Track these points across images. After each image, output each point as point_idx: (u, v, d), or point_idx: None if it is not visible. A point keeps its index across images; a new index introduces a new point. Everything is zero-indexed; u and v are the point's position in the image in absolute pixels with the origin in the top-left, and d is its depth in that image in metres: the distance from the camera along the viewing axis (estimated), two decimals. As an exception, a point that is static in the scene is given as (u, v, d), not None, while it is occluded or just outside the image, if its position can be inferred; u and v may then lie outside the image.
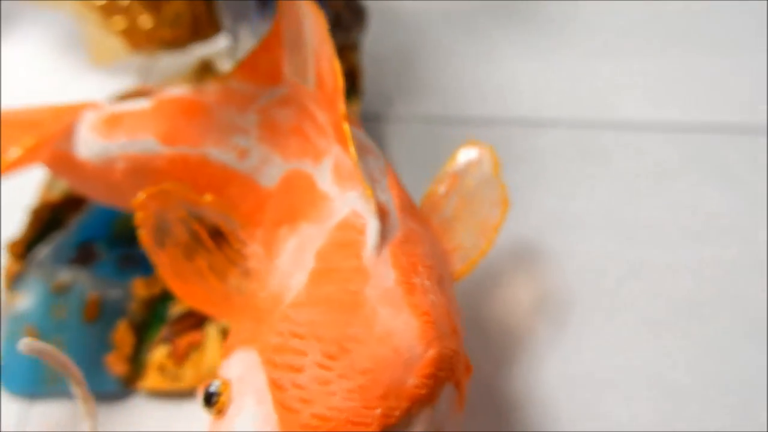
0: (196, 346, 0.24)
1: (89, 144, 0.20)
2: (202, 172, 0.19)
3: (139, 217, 0.18)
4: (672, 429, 0.22)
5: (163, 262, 0.18)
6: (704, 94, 0.32)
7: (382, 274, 0.14)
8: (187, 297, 0.18)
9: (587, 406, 0.23)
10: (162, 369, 0.23)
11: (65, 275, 0.25)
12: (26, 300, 0.24)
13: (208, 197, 0.19)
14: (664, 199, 0.28)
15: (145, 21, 0.33)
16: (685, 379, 0.23)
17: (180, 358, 0.23)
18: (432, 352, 0.14)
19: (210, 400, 0.14)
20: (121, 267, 0.26)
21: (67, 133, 0.20)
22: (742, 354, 0.23)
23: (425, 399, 0.13)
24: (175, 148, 0.19)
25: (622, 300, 0.25)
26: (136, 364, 0.23)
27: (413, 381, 0.13)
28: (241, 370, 0.14)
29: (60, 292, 0.24)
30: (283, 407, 0.13)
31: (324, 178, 0.17)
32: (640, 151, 0.30)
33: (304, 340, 0.13)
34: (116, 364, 0.23)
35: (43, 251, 0.26)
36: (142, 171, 0.20)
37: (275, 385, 0.13)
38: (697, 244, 0.27)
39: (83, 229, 0.27)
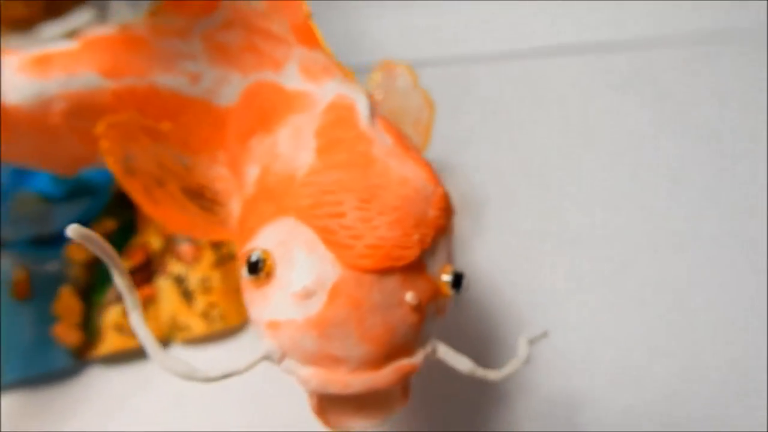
0: (150, 301, 0.23)
1: (20, 86, 0.18)
2: (151, 102, 0.19)
3: (105, 146, 0.17)
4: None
5: (137, 188, 0.17)
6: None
7: (381, 138, 0.16)
8: (167, 222, 0.18)
9: (509, 273, 0.26)
10: (119, 328, 0.22)
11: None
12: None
13: (166, 125, 0.19)
14: (546, 118, 0.33)
15: (-8, -4, 0.30)
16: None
17: (137, 314, 0.22)
18: (441, 190, 0.16)
19: (256, 267, 0.14)
20: (37, 245, 0.24)
21: None
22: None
23: (443, 228, 0.15)
24: (120, 81, 0.19)
25: (522, 198, 0.30)
26: (88, 331, 0.22)
27: (433, 213, 0.15)
28: (278, 237, 0.14)
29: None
30: (337, 246, 0.14)
31: (291, 79, 0.18)
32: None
33: (336, 194, 0.14)
34: (66, 335, 0.21)
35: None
36: (84, 109, 0.19)
37: (326, 230, 0.14)
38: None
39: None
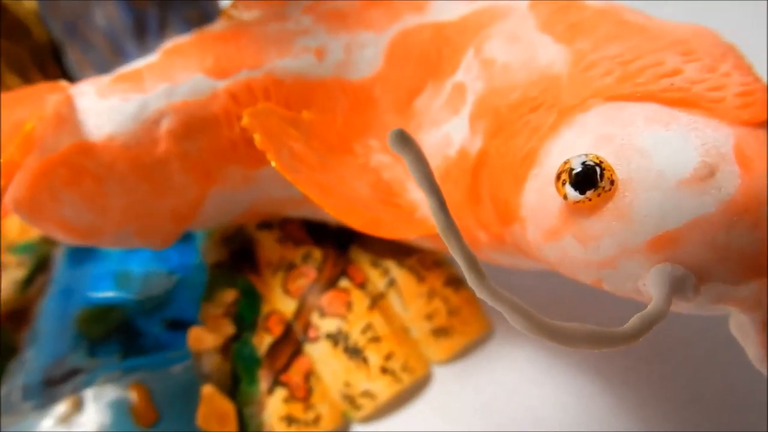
0: (309, 376, 0.17)
1: (111, 111, 0.14)
2: (271, 96, 0.15)
3: (259, 140, 0.13)
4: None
5: (312, 186, 0.13)
6: None
7: (621, 8, 0.13)
8: (353, 221, 0.13)
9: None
10: (291, 419, 0.16)
11: (62, 401, 0.16)
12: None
13: (306, 114, 0.14)
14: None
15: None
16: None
17: (304, 396, 0.16)
18: None
19: (591, 176, 0.10)
20: (126, 355, 0.18)
21: (62, 121, 0.13)
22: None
23: None
24: (232, 77, 0.14)
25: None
26: (250, 437, 0.16)
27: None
28: (592, 135, 0.10)
29: (68, 420, 0.16)
30: (703, 101, 0.10)
31: (448, 9, 0.15)
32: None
33: (646, 57, 0.11)
34: (227, 452, 0.15)
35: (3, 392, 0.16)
36: (196, 124, 0.14)
37: (673, 90, 0.10)
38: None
39: (45, 347, 0.18)
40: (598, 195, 0.10)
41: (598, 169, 0.10)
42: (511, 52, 0.13)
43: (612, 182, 0.10)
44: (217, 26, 0.16)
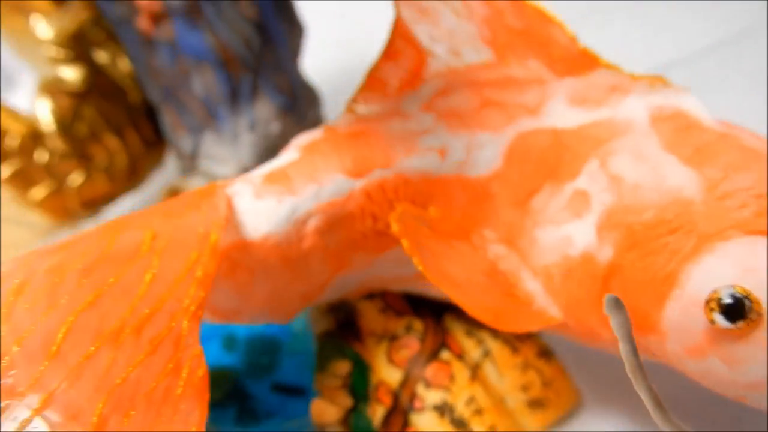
0: (419, 445, 0.18)
1: (268, 213, 0.15)
2: (399, 194, 0.16)
3: (407, 246, 0.14)
4: None
5: (450, 284, 0.14)
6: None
7: (737, 130, 0.15)
8: (482, 316, 0.15)
9: None
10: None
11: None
12: None
13: (433, 211, 0.16)
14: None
15: (75, 177, 0.27)
16: None
17: (417, 467, 0.17)
18: None
19: (740, 308, 0.11)
20: (240, 419, 0.19)
21: (228, 219, 0.15)
22: None
23: None
24: (368, 177, 0.16)
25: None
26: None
27: None
28: (735, 266, 0.11)
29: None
30: None
31: (562, 117, 0.16)
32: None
33: None
34: None
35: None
36: (336, 222, 0.15)
37: None
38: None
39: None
40: (747, 324, 0.11)
41: (746, 302, 0.11)
42: (640, 171, 0.14)
43: (759, 314, 0.11)
44: (344, 122, 0.17)
